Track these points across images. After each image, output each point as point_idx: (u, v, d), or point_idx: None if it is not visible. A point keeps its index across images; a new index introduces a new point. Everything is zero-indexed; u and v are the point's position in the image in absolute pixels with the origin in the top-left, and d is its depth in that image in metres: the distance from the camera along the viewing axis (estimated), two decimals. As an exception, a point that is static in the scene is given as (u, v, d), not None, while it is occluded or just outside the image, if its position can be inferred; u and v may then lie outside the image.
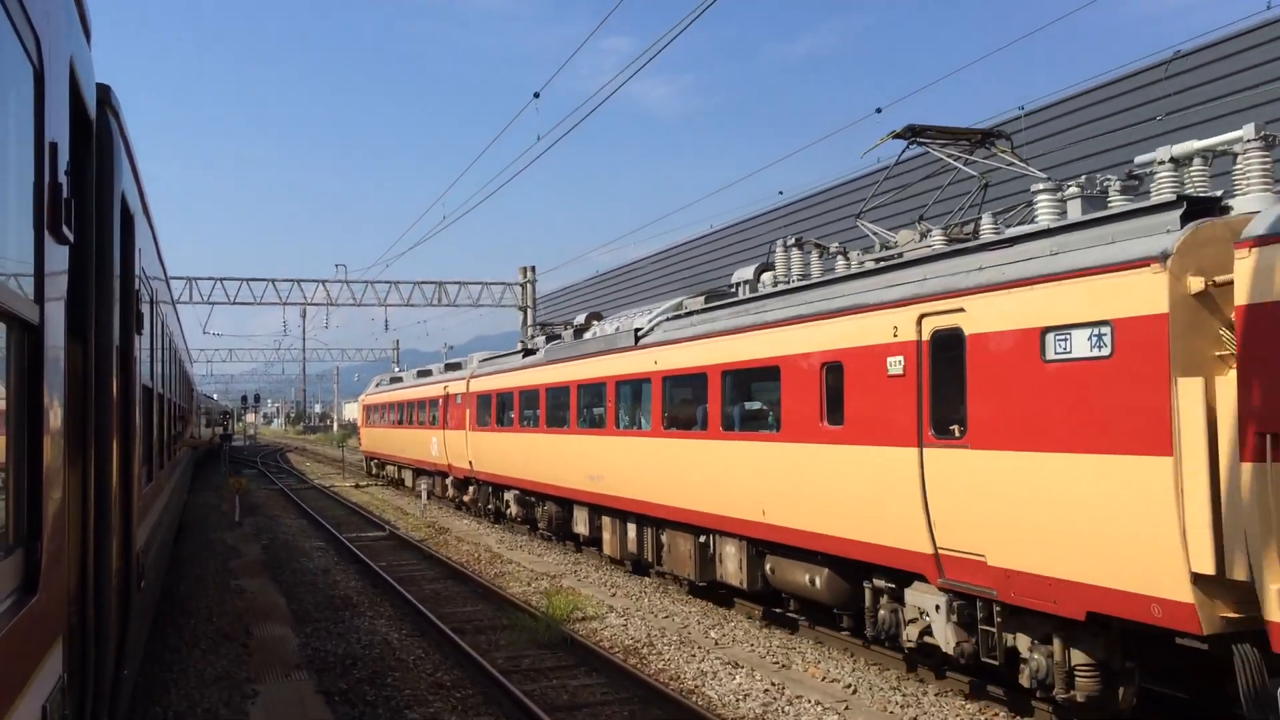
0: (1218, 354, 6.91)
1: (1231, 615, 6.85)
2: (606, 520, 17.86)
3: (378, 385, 43.91)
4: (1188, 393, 6.87)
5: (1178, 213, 7.26)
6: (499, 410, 23.55)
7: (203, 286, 41.40)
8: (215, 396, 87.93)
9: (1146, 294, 7.15)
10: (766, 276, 13.94)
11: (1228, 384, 6.68)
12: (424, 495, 30.09)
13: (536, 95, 20.31)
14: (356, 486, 40.16)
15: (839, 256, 12.41)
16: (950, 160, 11.09)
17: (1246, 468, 6.46)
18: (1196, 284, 6.95)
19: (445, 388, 28.98)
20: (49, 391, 3.05)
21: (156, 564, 9.11)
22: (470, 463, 26.29)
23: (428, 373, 34.78)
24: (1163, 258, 7.06)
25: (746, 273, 14.49)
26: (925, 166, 18.73)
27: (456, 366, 30.74)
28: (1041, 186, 9.26)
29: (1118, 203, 8.71)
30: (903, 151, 11.69)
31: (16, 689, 2.65)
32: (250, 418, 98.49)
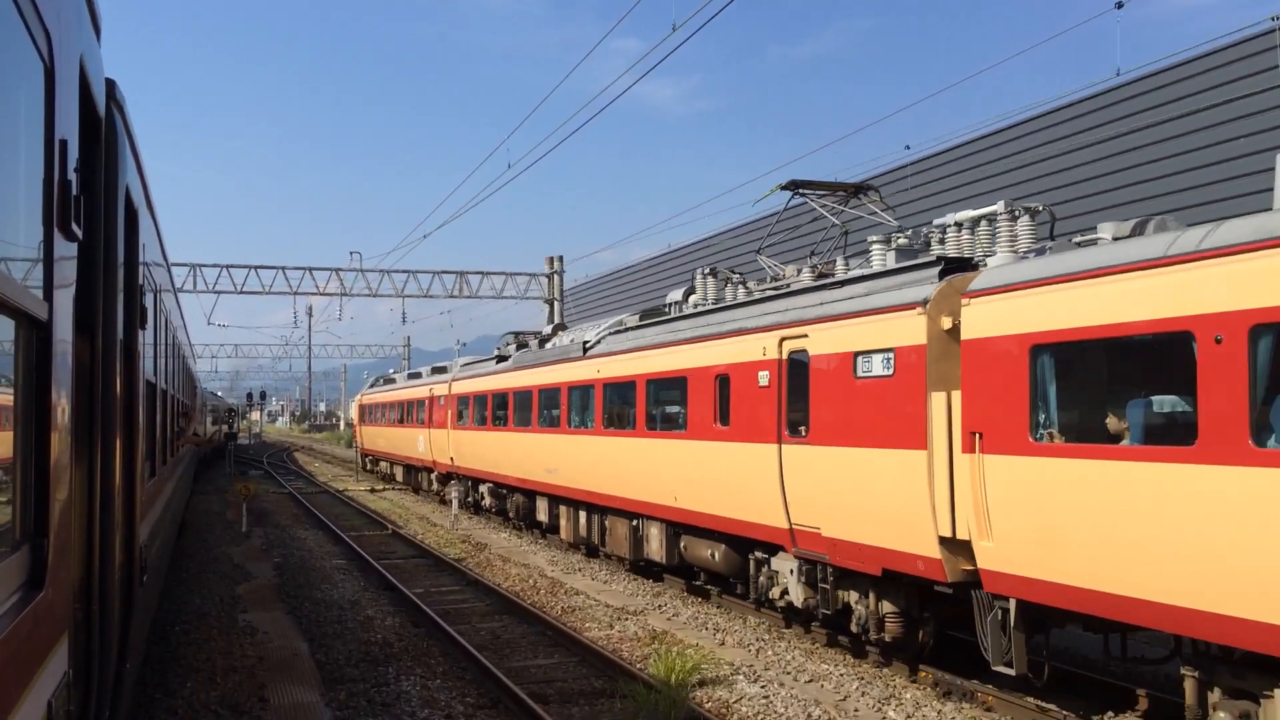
0: (958, 374, 9.38)
1: (969, 568, 9.30)
2: (563, 509, 20.35)
3: (372, 386, 46.46)
4: (936, 403, 9.34)
5: (937, 270, 9.75)
6: (475, 411, 26.06)
7: (207, 274, 38.80)
8: (220, 394, 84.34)
9: (913, 329, 9.63)
10: (693, 298, 16.42)
11: (959, 396, 9.15)
12: (454, 504, 26.45)
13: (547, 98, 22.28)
14: (372, 491, 37.72)
15: (740, 286, 14.87)
16: (821, 210, 13.57)
17: (964, 457, 8.93)
18: (946, 322, 9.41)
19: (430, 389, 31.50)
20: (57, 387, 3.04)
21: (159, 560, 9.00)
22: (452, 458, 28.81)
23: (417, 375, 37.31)
24: (924, 303, 9.54)
25: (676, 294, 16.98)
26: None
27: (443, 370, 33.24)
28: (875, 238, 11.74)
29: (934, 253, 11.18)
30: (788, 202, 14.16)
31: (23, 684, 2.65)
32: (255, 415, 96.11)
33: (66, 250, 3.30)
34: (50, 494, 2.95)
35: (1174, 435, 7.21)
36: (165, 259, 10.06)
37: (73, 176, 3.27)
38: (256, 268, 39.63)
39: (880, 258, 11.56)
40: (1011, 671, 8.78)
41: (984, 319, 8.82)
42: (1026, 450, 8.31)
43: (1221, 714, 7.11)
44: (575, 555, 20.15)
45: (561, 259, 41.29)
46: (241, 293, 39.43)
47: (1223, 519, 6.66)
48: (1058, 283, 8.11)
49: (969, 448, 8.88)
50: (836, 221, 13.45)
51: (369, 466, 46.83)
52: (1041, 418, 8.31)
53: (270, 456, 64.92)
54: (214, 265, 38.77)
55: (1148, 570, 7.21)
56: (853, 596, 11.26)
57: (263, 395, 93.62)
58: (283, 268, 40.13)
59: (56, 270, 3.06)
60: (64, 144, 3.12)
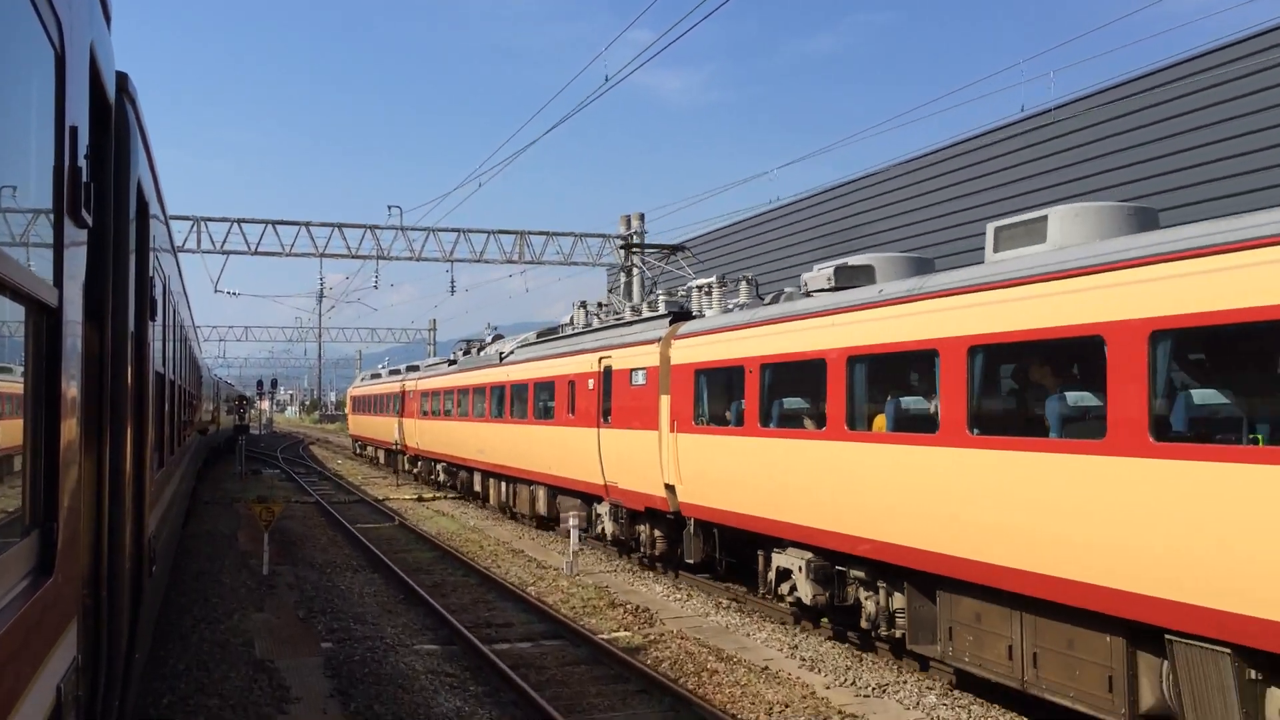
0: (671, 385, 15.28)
1: (682, 503, 15.18)
2: (491, 482, 26.33)
3: (361, 380, 52.55)
4: (663, 402, 15.26)
5: (667, 319, 15.66)
6: (433, 404, 32.06)
7: (214, 230, 31.78)
8: (232, 383, 77.20)
9: (652, 356, 15.53)
10: (580, 320, 22.30)
11: (669, 399, 15.05)
12: (574, 537, 16.92)
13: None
14: (420, 500, 29.70)
15: (595, 317, 20.78)
16: (640, 265, 19.48)
17: (670, 435, 14.86)
18: (667, 353, 15.30)
19: (403, 385, 37.51)
20: (67, 374, 3.03)
21: (166, 551, 8.96)
22: (417, 443, 34.82)
23: (397, 371, 43.30)
24: (657, 340, 15.44)
25: (567, 316, 22.90)
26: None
27: (415, 368, 39.24)
28: (660, 292, 17.63)
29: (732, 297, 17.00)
30: (626, 257, 20.03)
31: (32, 669, 2.66)
32: (264, 405, 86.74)
33: (76, 237, 3.28)
34: (60, 480, 2.94)
35: (742, 420, 13.10)
36: (173, 249, 9.78)
37: (83, 163, 3.28)
38: (275, 223, 32.65)
39: (651, 308, 17.45)
40: (691, 561, 14.74)
41: (679, 353, 14.74)
42: (693, 430, 14.24)
43: (771, 575, 13.00)
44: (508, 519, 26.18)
45: (642, 217, 33.98)
46: (256, 253, 32.38)
47: (756, 461, 12.57)
48: (705, 334, 14.04)
49: (672, 429, 14.81)
50: (650, 275, 19.36)
51: (358, 451, 52.91)
52: (700, 411, 14.23)
53: (284, 450, 59.27)
54: (222, 219, 31.86)
55: (746, 496, 13.09)
56: (644, 529, 17.17)
57: (274, 383, 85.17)
58: (306, 224, 33.08)
59: (67, 257, 3.05)
60: (74, 130, 3.14)
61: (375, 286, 39.16)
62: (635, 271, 32.00)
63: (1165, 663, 7.42)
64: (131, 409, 4.91)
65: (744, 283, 16.00)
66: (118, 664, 4.50)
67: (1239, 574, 6.56)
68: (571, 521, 17.03)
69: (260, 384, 72.37)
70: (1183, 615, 7.00)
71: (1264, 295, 6.46)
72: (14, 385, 2.73)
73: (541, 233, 34.63)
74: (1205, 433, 7.20)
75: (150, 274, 5.99)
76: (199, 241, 31.77)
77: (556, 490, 21.17)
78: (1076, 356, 8.40)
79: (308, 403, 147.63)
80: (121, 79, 4.79)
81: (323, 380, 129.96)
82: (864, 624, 11.13)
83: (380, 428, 42.88)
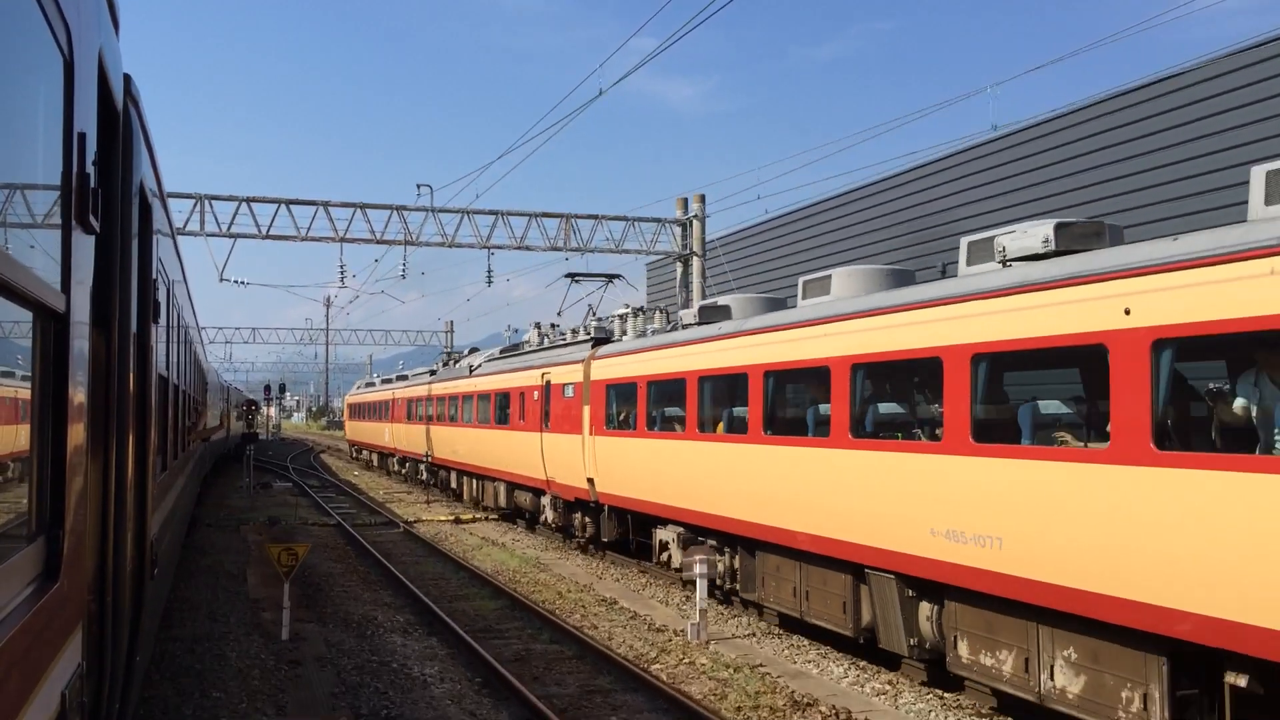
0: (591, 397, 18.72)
1: (600, 493, 18.60)
2: (465, 479, 29.79)
3: (357, 389, 56.10)
4: (585, 412, 18.70)
5: (590, 342, 19.12)
6: (417, 410, 35.55)
7: (220, 211, 27.77)
8: (239, 388, 73.98)
9: (578, 374, 18.98)
10: (534, 339, 25.76)
11: (590, 408, 18.49)
12: (701, 589, 12.95)
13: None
14: (457, 521, 26.01)
15: (545, 337, 24.24)
16: (584, 294, 22.95)
17: (590, 437, 18.30)
18: (588, 371, 18.74)
19: (393, 394, 41.01)
20: (73, 379, 3.05)
21: (169, 555, 8.98)
22: (404, 446, 38.29)
23: (389, 381, 46.82)
24: (582, 360, 18.90)
25: (523, 336, 26.38)
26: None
27: (405, 378, 42.74)
28: (588, 319, 21.07)
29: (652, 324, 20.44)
30: (570, 285, 23.49)
31: (37, 676, 2.66)
32: (270, 411, 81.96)
33: (84, 243, 3.29)
34: (66, 486, 2.94)
35: (635, 425, 16.51)
36: (178, 254, 9.97)
37: (91, 169, 3.29)
38: (289, 203, 28.69)
39: (583, 331, 20.90)
40: (606, 540, 18.20)
41: (596, 371, 18.20)
42: (605, 434, 17.68)
43: (662, 544, 16.40)
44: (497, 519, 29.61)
45: (703, 199, 30.98)
46: (267, 237, 28.44)
47: (644, 457, 16.00)
48: (613, 356, 17.50)
49: (591, 433, 18.25)
50: (589, 302, 22.83)
51: (355, 455, 56.43)
52: (610, 417, 17.69)
53: (294, 459, 56.47)
54: (229, 198, 27.93)
55: (640, 485, 16.49)
56: (578, 518, 20.58)
57: (282, 388, 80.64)
58: (325, 204, 29.02)
59: (74, 263, 3.06)
60: (82, 137, 3.14)
61: (403, 275, 33.04)
62: (695, 262, 29.89)
63: (868, 588, 10.85)
64: (134, 413, 4.94)
65: (658, 313, 19.44)
66: (119, 670, 4.45)
67: (897, 524, 9.99)
68: (699, 569, 12.72)
69: (268, 389, 67.25)
70: (872, 556, 10.42)
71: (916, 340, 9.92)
72: (21, 390, 2.72)
73: (590, 216, 30.84)
74: (874, 431, 10.66)
75: (153, 277, 5.98)
76: (202, 223, 27.51)
77: (514, 485, 24.62)
78: (819, 379, 11.73)
79: (314, 409, 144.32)
80: (125, 81, 4.77)
81: (330, 386, 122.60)
82: (718, 581, 14.54)
83: (373, 432, 46.42)
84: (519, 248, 30.37)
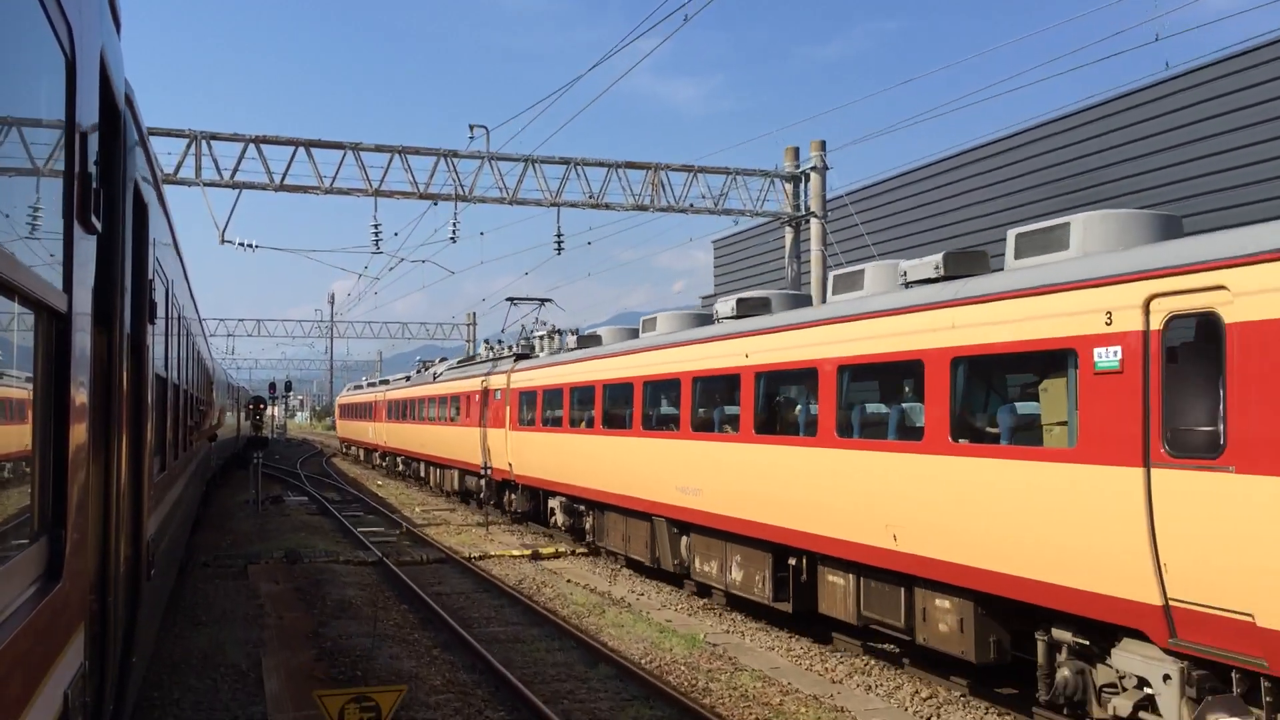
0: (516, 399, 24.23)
1: (515, 474, 24.05)
2: (430, 469, 35.36)
3: (348, 391, 61.85)
4: (506, 411, 24.21)
5: (513, 357, 24.68)
6: (398, 410, 41.15)
7: (223, 154, 21.96)
8: (243, 386, 65.65)
9: (503, 381, 24.52)
10: (485, 353, 31.28)
11: (511, 408, 24.01)
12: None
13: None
14: (535, 557, 19.84)
15: (490, 351, 29.76)
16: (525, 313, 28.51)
17: (512, 432, 23.85)
18: (509, 380, 24.25)
19: (376, 395, 46.61)
20: (75, 380, 3.06)
21: (169, 555, 9.02)
22: (385, 441, 43.87)
23: (375, 384, 52.46)
24: (506, 371, 24.44)
25: (482, 348, 31.94)
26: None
27: (386, 382, 48.33)
28: (522, 337, 26.64)
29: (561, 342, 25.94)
30: (510, 307, 29.02)
31: (40, 675, 2.68)
32: (275, 410, 71.96)
33: (85, 243, 3.29)
34: (68, 486, 2.96)
35: (535, 422, 22.00)
36: (179, 252, 9.79)
37: (93, 169, 3.32)
38: (309, 144, 22.69)
39: (516, 348, 26.44)
40: (518, 510, 23.76)
41: (515, 381, 23.73)
42: (519, 429, 23.20)
43: (550, 510, 21.93)
44: (443, 497, 35.19)
45: (822, 146, 25.37)
46: (281, 188, 22.51)
47: (540, 446, 21.52)
48: (524, 370, 23.06)
49: (511, 428, 23.79)
50: (523, 322, 28.40)
51: (345, 451, 62.04)
52: (523, 417, 23.22)
53: (304, 462, 52.79)
54: (232, 137, 22.15)
55: (540, 467, 21.94)
56: (508, 494, 26.03)
57: (288, 386, 72.55)
58: (355, 146, 22.88)
59: (76, 262, 3.07)
60: (84, 136, 3.16)
61: (453, 238, 26.30)
62: (814, 225, 24.36)
63: (654, 530, 16.34)
64: (129, 412, 4.96)
65: (570, 335, 24.95)
66: (113, 667, 4.48)
67: (661, 486, 15.46)
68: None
69: (273, 386, 58.12)
70: (656, 509, 15.91)
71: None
72: (23, 390, 2.70)
73: (684, 168, 25.23)
74: (655, 426, 16.18)
75: (150, 276, 5.89)
76: (198, 168, 21.62)
77: (464, 471, 30.14)
78: (626, 394, 17.21)
79: (318, 408, 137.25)
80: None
81: (337, 384, 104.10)
82: (588, 537, 20.03)
83: (360, 430, 52.07)
84: (595, 205, 24.26)
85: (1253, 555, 6.69)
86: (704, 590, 15.63)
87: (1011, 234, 9.89)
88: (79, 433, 3.14)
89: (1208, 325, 7.27)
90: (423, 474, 36.93)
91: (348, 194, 23.24)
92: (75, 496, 3.07)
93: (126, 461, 4.83)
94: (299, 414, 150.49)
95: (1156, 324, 7.56)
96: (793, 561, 12.53)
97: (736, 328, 13.78)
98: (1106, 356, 7.90)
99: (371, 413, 47.38)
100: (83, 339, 3.24)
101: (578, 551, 20.45)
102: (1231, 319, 6.98)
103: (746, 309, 14.35)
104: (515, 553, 20.27)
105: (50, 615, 2.75)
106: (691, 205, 25.30)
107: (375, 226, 24.13)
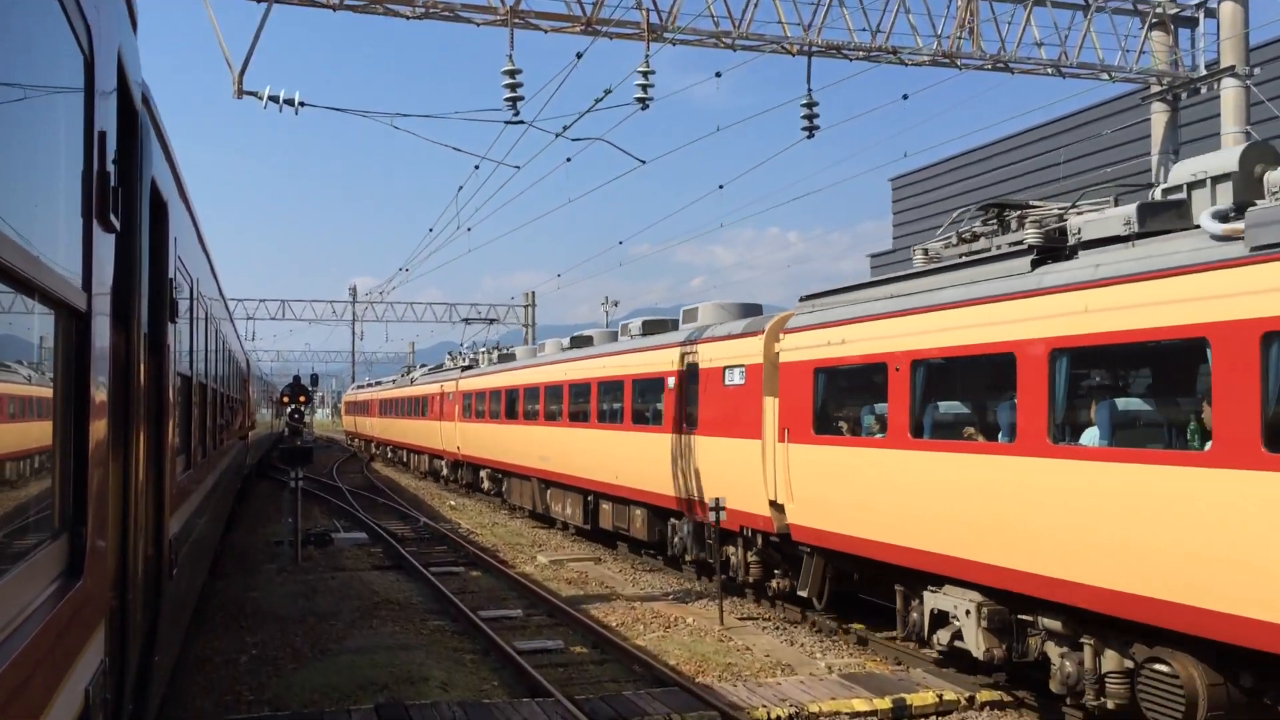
0: (457, 395, 32.45)
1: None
2: (413, 456, 43.71)
3: (351, 391, 70.82)
4: (456, 408, 32.45)
5: (460, 368, 32.95)
6: (390, 408, 49.63)
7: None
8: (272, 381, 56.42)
9: (454, 386, 32.77)
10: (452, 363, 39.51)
11: (457, 397, 32.27)
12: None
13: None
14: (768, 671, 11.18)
15: (460, 358, 38.02)
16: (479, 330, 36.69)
17: (458, 424, 32.11)
18: (458, 385, 32.46)
19: (373, 394, 55.18)
20: (94, 377, 3.09)
21: (197, 554, 8.99)
22: (377, 434, 52.37)
23: (377, 384, 61.11)
24: (455, 379, 32.67)
25: (446, 359, 40.25)
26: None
27: (379, 383, 56.83)
28: (469, 350, 34.87)
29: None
30: (465, 326, 37.17)
31: (62, 672, 2.71)
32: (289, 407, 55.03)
33: (104, 241, 3.34)
34: (89, 483, 2.99)
35: (484, 417, 30.20)
36: (207, 254, 9.76)
37: (111, 168, 3.35)
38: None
39: (466, 360, 34.65)
40: (465, 483, 32.02)
41: (462, 385, 31.93)
42: (463, 421, 31.41)
43: (480, 478, 30.10)
44: (429, 479, 43.49)
45: None
46: (343, 7, 15.37)
47: (500, 438, 29.75)
48: (469, 377, 31.36)
49: (460, 420, 31.98)
50: (475, 341, 36.62)
51: (348, 443, 70.79)
52: (463, 411, 31.44)
53: (341, 471, 44.33)
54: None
55: (479, 449, 30.10)
56: (459, 472, 34.14)
57: (314, 380, 60.30)
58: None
59: (95, 261, 3.11)
60: (103, 136, 3.21)
61: (643, 103, 16.26)
62: (1228, 91, 17.24)
63: (535, 487, 24.51)
64: (150, 411, 5.00)
65: (521, 347, 33.10)
66: (133, 665, 4.52)
67: (532, 459, 23.64)
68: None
69: (297, 379, 48.34)
70: (537, 473, 24.10)
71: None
72: (44, 389, 2.75)
73: None
74: (537, 417, 24.42)
75: (172, 275, 5.96)
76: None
77: (433, 456, 38.31)
78: (535, 396, 25.36)
79: (339, 405, 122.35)
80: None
81: (359, 379, 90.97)
82: (504, 497, 28.17)
83: (360, 424, 60.90)
84: (869, 53, 17.21)
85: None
86: (573, 529, 23.86)
87: None
88: (98, 431, 3.18)
89: None
90: (405, 461, 45.26)
91: (459, 21, 15.38)
92: (95, 494, 3.10)
93: (147, 460, 4.89)
94: (320, 410, 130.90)
95: None
96: (589, 499, 20.67)
97: (555, 356, 21.91)
98: None
99: (368, 409, 55.93)
100: (102, 337, 3.26)
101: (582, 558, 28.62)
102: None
103: (575, 342, 22.63)
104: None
105: (71, 613, 2.77)
106: (1020, 62, 17.72)
107: (511, 74, 15.37)
